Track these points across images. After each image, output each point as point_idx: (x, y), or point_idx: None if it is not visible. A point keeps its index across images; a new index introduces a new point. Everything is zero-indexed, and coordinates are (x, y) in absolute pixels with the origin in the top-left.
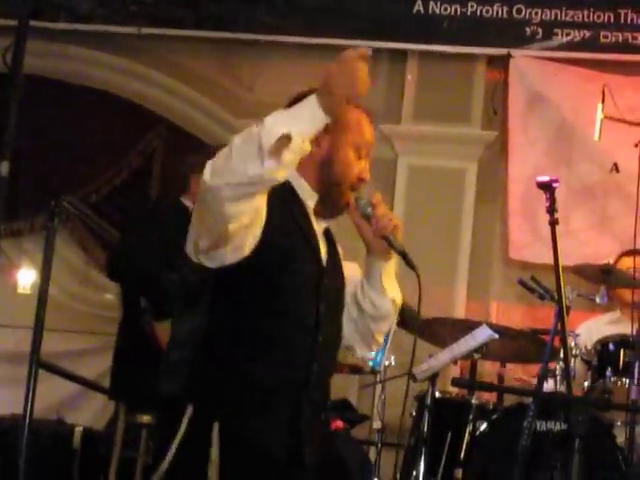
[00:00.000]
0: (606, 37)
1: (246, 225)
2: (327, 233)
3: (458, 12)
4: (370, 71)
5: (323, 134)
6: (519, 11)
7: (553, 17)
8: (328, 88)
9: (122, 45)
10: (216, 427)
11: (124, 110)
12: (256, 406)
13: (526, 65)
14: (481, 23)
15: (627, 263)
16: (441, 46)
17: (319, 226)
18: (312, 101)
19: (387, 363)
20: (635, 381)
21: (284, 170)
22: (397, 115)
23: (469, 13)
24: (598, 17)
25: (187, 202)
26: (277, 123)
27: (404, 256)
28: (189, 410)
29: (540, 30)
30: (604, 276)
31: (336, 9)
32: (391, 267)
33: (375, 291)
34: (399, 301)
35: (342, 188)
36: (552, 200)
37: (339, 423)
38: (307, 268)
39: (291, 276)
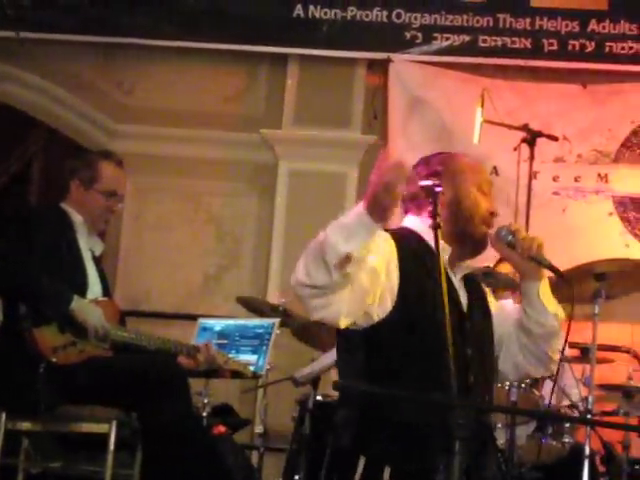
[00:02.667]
0: (485, 41)
1: (358, 304)
2: (468, 280)
3: (338, 16)
4: (250, 75)
5: (443, 182)
6: (399, 16)
7: (432, 22)
8: (374, 201)
9: (1, 49)
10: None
11: (2, 115)
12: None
13: (406, 69)
14: (361, 27)
15: (507, 267)
16: (321, 50)
17: (458, 275)
18: (363, 217)
19: (269, 367)
20: (515, 383)
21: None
22: (278, 120)
23: (349, 17)
24: (477, 22)
25: (67, 207)
26: (339, 240)
27: (554, 270)
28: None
29: (419, 34)
30: (484, 279)
31: (216, 13)
32: (545, 285)
33: (537, 311)
34: (562, 314)
35: (475, 222)
36: (435, 204)
37: (221, 428)
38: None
39: (433, 324)
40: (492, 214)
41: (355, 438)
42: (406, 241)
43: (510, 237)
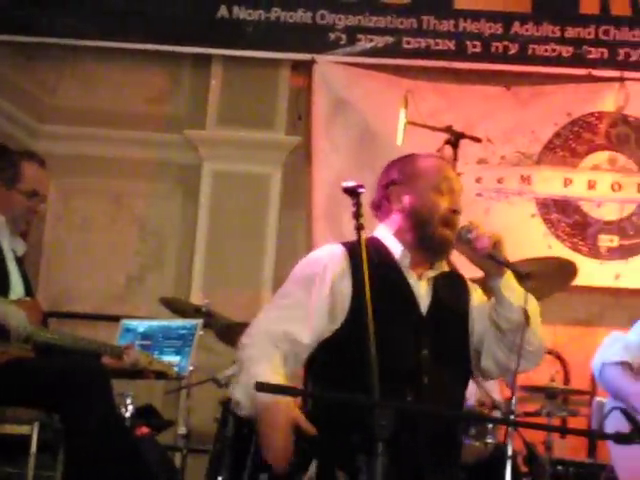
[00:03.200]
0: (408, 43)
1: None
2: (440, 282)
3: (262, 17)
4: (174, 76)
5: (399, 190)
6: (323, 17)
7: (356, 23)
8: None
9: None
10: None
11: None
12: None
13: (330, 71)
14: (285, 29)
15: None
16: (245, 51)
17: (424, 278)
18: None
19: (192, 368)
20: None
21: None
22: (201, 120)
23: (273, 18)
24: (401, 23)
25: None
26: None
27: (509, 267)
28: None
29: (344, 36)
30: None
31: (140, 13)
32: (508, 280)
33: (503, 307)
34: (532, 306)
35: (434, 225)
36: (358, 205)
37: (144, 429)
38: (401, 320)
39: (385, 331)
40: (454, 212)
41: None
42: (359, 254)
43: (468, 235)
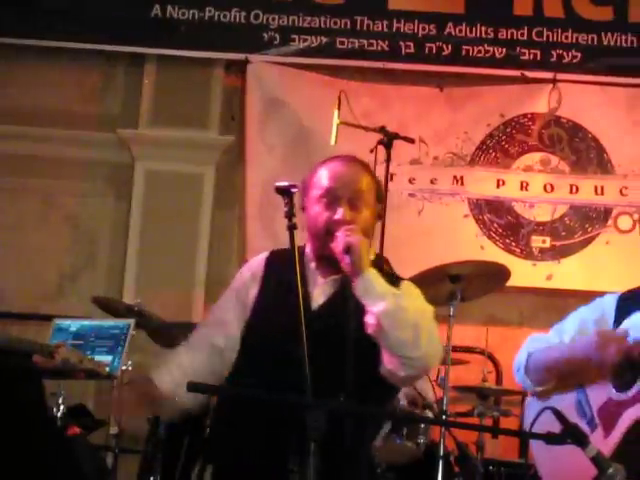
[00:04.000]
0: (342, 43)
1: None
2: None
3: (196, 17)
4: (107, 74)
5: (302, 200)
6: (257, 16)
7: (290, 23)
8: None
9: None
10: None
11: None
12: None
13: (264, 71)
14: (219, 28)
15: None
16: (179, 50)
17: (329, 278)
18: None
19: (124, 368)
20: None
21: None
22: (134, 119)
23: (207, 18)
24: (335, 23)
25: None
26: None
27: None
28: None
29: (277, 36)
30: None
31: (73, 12)
32: (368, 280)
33: (367, 312)
34: (389, 308)
35: (319, 237)
36: (290, 205)
37: (75, 429)
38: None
39: (276, 329)
40: (334, 222)
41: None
42: (281, 259)
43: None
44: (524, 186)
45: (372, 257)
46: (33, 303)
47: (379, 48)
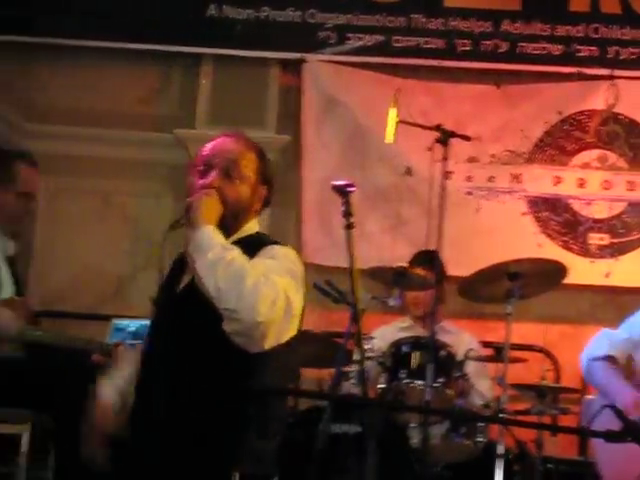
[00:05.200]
0: (398, 42)
1: None
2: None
3: (252, 16)
4: (164, 75)
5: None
6: (312, 16)
7: (346, 22)
8: None
9: None
10: None
11: None
12: None
13: (320, 69)
14: (275, 27)
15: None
16: (235, 50)
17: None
18: None
19: None
20: (428, 382)
21: None
22: (191, 119)
23: (262, 17)
24: (390, 22)
25: None
26: None
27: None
28: None
29: (333, 35)
30: (397, 279)
31: (130, 13)
32: (199, 234)
33: None
34: (198, 261)
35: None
36: (347, 204)
37: None
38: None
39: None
40: (201, 187)
41: None
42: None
43: None
44: (581, 183)
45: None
46: (92, 303)
47: (435, 46)
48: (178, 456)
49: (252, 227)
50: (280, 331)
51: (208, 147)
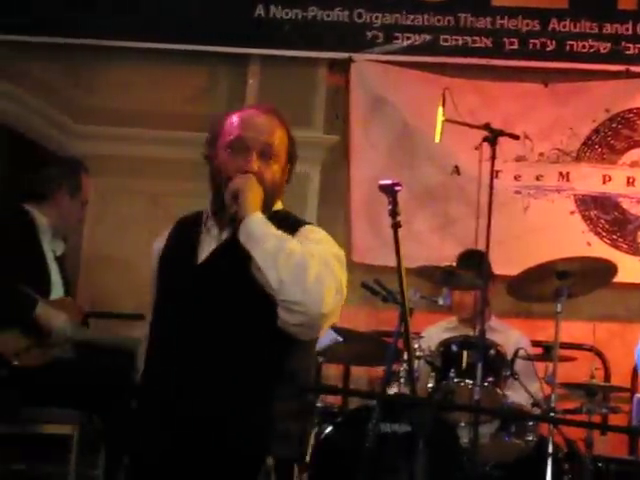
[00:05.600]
0: (446, 41)
1: None
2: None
3: (299, 16)
4: (211, 75)
5: (208, 150)
6: (360, 15)
7: (393, 21)
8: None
9: None
10: None
11: None
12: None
13: (367, 69)
14: (322, 27)
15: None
16: (282, 50)
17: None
18: None
19: None
20: (478, 382)
21: None
22: None
23: (310, 17)
24: (438, 21)
25: (30, 208)
26: None
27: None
28: None
29: (381, 34)
30: (446, 278)
31: (176, 13)
32: (251, 223)
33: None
34: (256, 252)
35: (220, 190)
36: (394, 203)
37: None
38: (179, 273)
39: (166, 286)
40: (246, 173)
41: None
42: (186, 222)
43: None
44: (630, 181)
45: (277, 208)
46: (139, 304)
47: (483, 45)
48: (221, 448)
49: (278, 205)
50: (334, 319)
51: (238, 123)
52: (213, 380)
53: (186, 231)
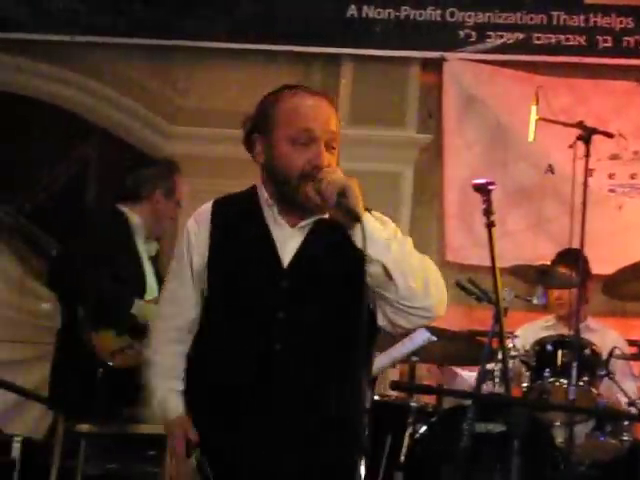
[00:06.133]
0: (539, 39)
1: None
2: (315, 230)
3: (392, 16)
4: (303, 75)
5: (257, 137)
6: (452, 14)
7: (486, 20)
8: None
9: (56, 53)
10: None
11: (58, 118)
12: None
13: (460, 68)
14: (415, 27)
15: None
16: (375, 50)
17: (297, 226)
18: None
19: None
20: (573, 381)
21: None
22: None
23: (402, 17)
24: (531, 19)
25: (124, 209)
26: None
27: (352, 214)
28: None
29: (473, 33)
30: (540, 277)
31: (269, 14)
32: (369, 226)
33: (365, 261)
34: (390, 258)
35: (291, 184)
36: (488, 202)
37: None
38: (259, 274)
39: (242, 287)
40: (314, 167)
41: None
42: (230, 208)
43: (319, 187)
44: None
45: None
46: None
47: (576, 43)
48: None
49: None
50: None
51: (304, 111)
52: (324, 388)
53: (240, 222)
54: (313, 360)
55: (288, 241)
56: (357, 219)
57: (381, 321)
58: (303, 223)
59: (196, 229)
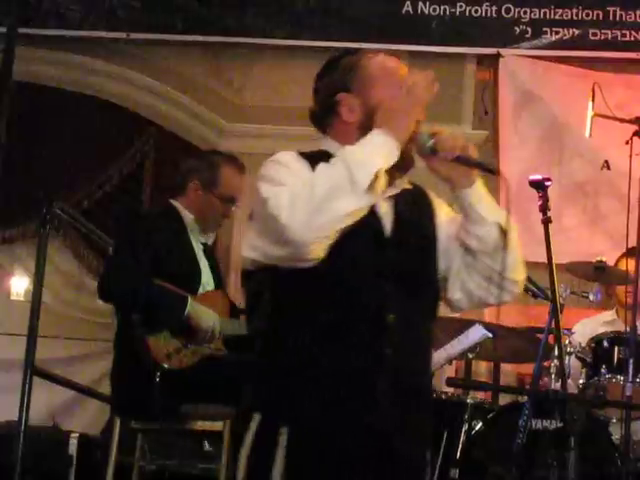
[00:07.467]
0: (595, 35)
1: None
2: (400, 199)
3: (447, 12)
4: None
5: (350, 98)
6: (508, 10)
7: (542, 16)
8: (398, 119)
9: (111, 50)
10: (284, 431)
11: (114, 115)
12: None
13: (516, 64)
14: (470, 23)
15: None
16: (430, 46)
17: (387, 193)
18: (385, 139)
19: None
20: (630, 378)
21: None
22: None
23: (458, 13)
24: (587, 15)
25: (177, 205)
26: (366, 160)
27: (484, 167)
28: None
29: (529, 29)
30: (597, 273)
31: (324, 11)
32: (479, 191)
33: (473, 222)
34: (509, 224)
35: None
36: (545, 199)
37: None
38: (363, 247)
39: (343, 260)
40: (416, 122)
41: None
42: (313, 161)
43: (430, 141)
44: None
45: None
46: None
47: (633, 38)
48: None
49: None
50: None
51: (405, 70)
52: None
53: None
54: (419, 331)
55: (381, 209)
56: (491, 170)
57: (454, 293)
58: (390, 191)
59: (301, 164)
